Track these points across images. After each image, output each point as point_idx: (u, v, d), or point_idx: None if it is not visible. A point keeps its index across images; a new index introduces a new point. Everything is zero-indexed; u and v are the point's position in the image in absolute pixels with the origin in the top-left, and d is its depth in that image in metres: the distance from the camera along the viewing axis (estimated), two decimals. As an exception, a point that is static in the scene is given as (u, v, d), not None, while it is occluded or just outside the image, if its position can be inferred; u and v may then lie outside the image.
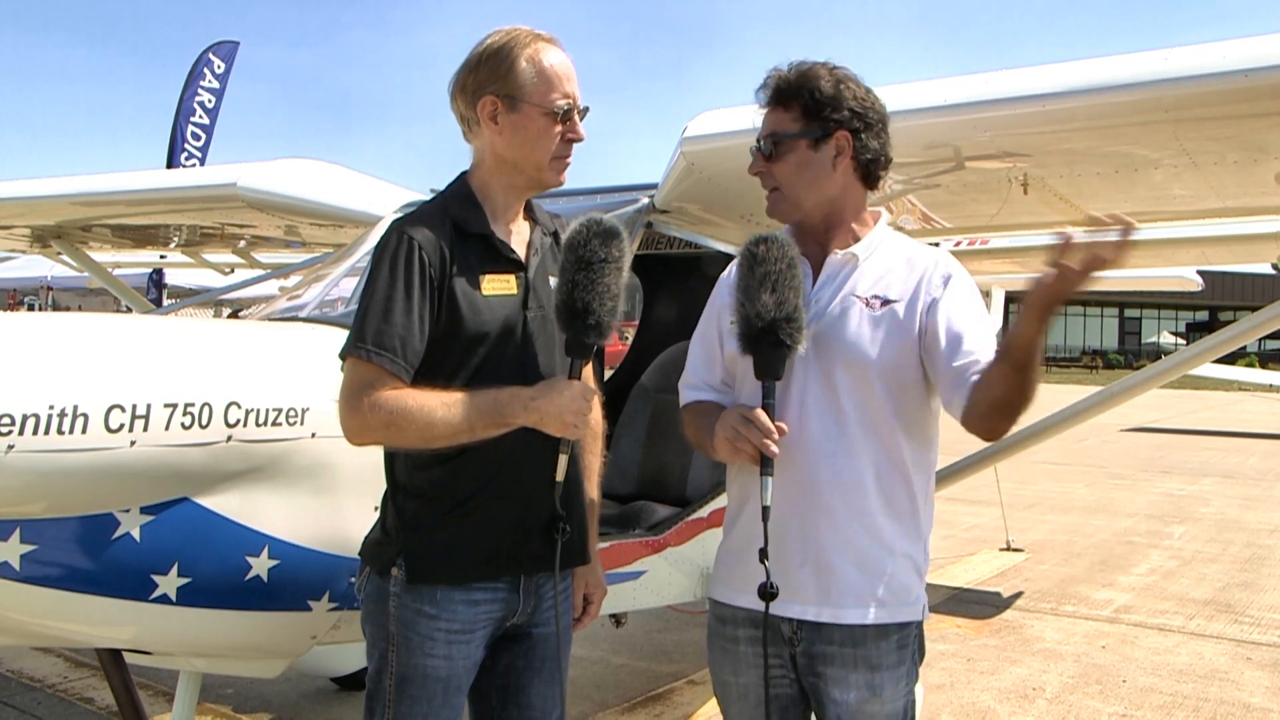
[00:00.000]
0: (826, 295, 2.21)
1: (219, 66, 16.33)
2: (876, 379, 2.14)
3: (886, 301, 2.16)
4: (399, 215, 2.41)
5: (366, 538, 2.32)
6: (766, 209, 2.30)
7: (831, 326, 2.16)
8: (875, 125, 2.22)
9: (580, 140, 2.26)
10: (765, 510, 2.06)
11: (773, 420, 2.06)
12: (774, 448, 2.05)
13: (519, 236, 2.30)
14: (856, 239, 2.25)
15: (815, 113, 2.18)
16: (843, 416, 2.14)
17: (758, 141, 2.26)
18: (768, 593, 2.07)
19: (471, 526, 2.18)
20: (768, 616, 2.12)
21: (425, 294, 2.12)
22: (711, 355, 2.34)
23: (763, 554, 2.06)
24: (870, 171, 2.25)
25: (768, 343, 2.06)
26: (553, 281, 2.23)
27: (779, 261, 2.07)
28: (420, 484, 2.20)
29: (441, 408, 2.05)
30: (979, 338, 2.11)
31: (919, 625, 2.25)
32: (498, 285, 2.20)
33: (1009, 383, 1.97)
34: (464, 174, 2.31)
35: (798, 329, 2.07)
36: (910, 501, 2.20)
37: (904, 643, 2.20)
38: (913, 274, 2.19)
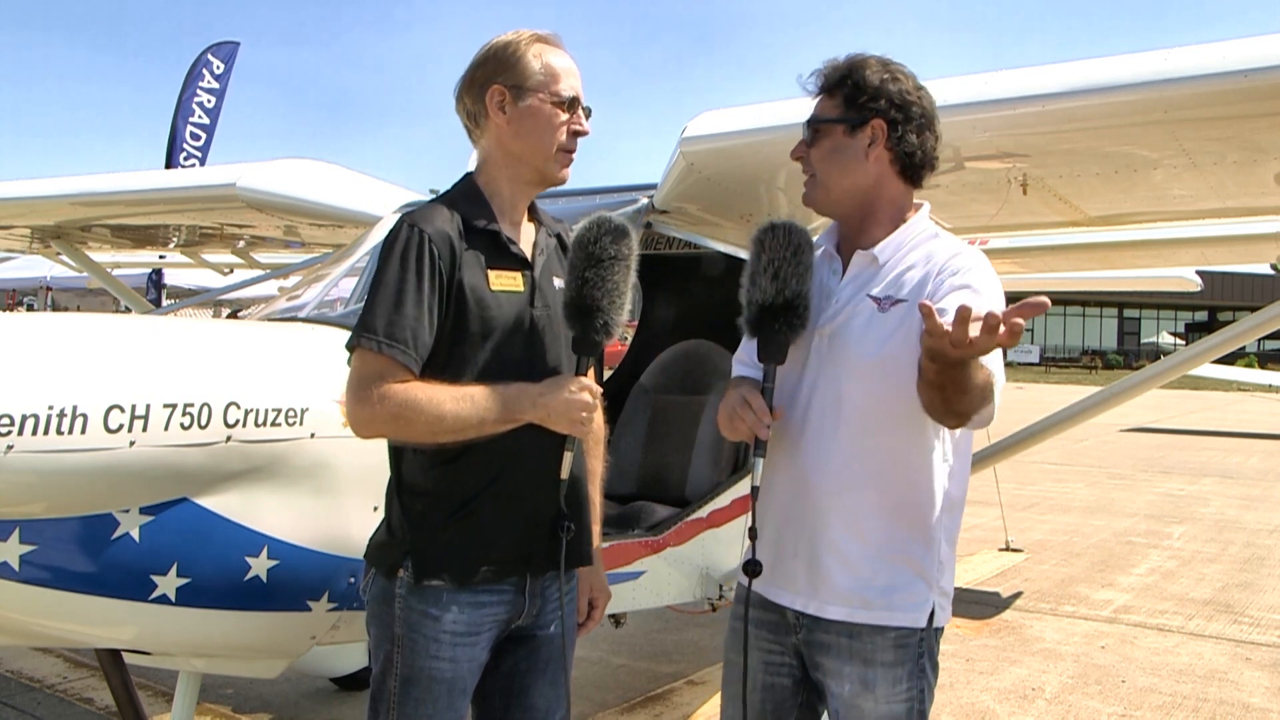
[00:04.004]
0: (846, 294, 2.21)
1: (218, 67, 16.31)
2: (880, 380, 2.12)
3: (897, 301, 2.14)
4: (400, 215, 2.40)
5: (371, 539, 2.31)
6: (803, 197, 2.31)
7: (843, 326, 2.17)
8: (917, 119, 2.20)
9: (585, 134, 2.28)
10: (755, 490, 2.13)
11: (770, 403, 2.11)
12: (765, 431, 2.09)
13: (524, 236, 2.31)
14: (887, 236, 2.23)
15: (854, 100, 2.20)
16: (842, 417, 2.13)
17: (804, 128, 2.28)
18: (751, 570, 2.15)
19: (477, 527, 2.18)
20: (749, 591, 2.20)
21: (435, 287, 2.11)
22: None
23: (752, 532, 2.14)
24: (909, 165, 2.22)
25: (768, 327, 2.12)
26: (557, 283, 2.25)
27: (784, 248, 2.12)
28: (425, 483, 2.19)
29: (450, 401, 2.05)
30: None
31: (924, 632, 2.17)
32: (505, 282, 2.20)
33: (926, 395, 1.97)
34: (469, 174, 2.32)
35: (796, 315, 2.11)
36: (915, 506, 2.16)
37: (902, 643, 2.16)
38: (926, 271, 2.16)
